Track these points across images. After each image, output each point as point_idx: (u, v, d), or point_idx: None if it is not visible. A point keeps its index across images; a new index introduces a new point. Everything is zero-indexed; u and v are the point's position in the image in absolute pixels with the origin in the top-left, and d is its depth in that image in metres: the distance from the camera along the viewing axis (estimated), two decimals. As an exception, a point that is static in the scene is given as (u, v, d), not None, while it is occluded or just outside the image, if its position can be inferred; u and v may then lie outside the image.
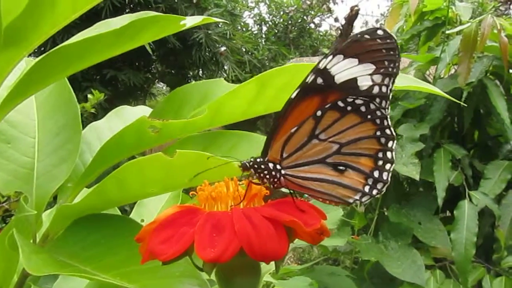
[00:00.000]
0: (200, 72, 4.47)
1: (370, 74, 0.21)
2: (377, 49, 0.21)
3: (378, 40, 0.21)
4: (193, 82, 0.34)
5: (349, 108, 0.21)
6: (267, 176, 0.21)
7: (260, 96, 0.28)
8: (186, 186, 0.25)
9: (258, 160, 0.21)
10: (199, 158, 0.22)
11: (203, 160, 0.22)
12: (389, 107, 0.22)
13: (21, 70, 0.31)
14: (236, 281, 0.18)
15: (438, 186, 0.92)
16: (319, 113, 0.21)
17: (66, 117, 0.34)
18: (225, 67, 4.25)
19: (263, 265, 0.19)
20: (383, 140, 0.21)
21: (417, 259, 0.91)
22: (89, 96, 1.61)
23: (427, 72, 1.15)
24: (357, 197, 0.21)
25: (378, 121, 0.21)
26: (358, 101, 0.21)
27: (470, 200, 0.91)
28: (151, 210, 0.42)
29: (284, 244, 0.16)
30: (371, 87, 0.21)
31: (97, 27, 0.35)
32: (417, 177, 0.91)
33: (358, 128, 0.21)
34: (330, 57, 0.21)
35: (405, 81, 0.29)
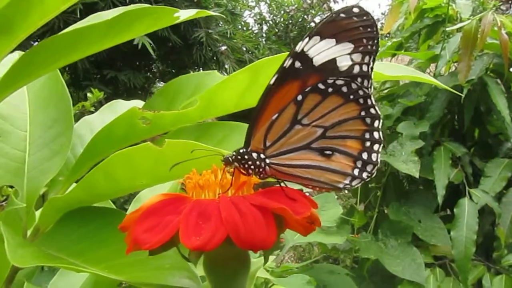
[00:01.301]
0: (201, 71, 4.47)
1: (349, 54, 0.21)
2: (354, 27, 0.21)
3: (355, 18, 0.21)
4: (188, 74, 0.33)
5: (330, 89, 0.20)
6: (252, 167, 0.20)
7: (253, 86, 0.27)
8: (175, 177, 0.24)
9: (240, 151, 0.20)
10: (189, 147, 0.22)
11: (191, 147, 0.22)
12: (372, 86, 0.22)
13: (11, 61, 0.31)
14: (224, 271, 0.18)
15: (438, 184, 0.91)
16: (299, 97, 0.20)
17: (58, 110, 0.34)
18: (226, 66, 4.25)
19: (255, 259, 0.19)
20: (368, 120, 0.21)
21: (417, 257, 0.90)
22: (88, 95, 1.61)
23: (427, 70, 1.15)
24: (347, 181, 0.20)
25: (361, 100, 0.21)
26: (339, 82, 0.20)
27: (470, 198, 0.90)
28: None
29: (273, 233, 0.16)
30: (351, 67, 0.21)
31: (90, 20, 0.34)
32: (416, 175, 0.90)
33: (341, 110, 0.21)
34: (307, 39, 0.21)
35: (403, 71, 0.29)
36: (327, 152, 0.20)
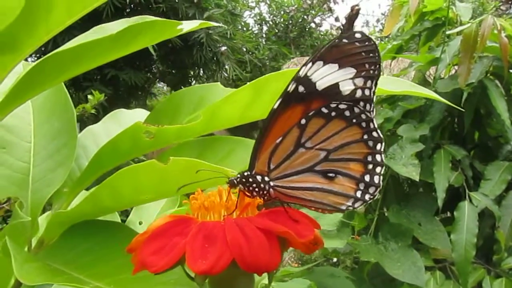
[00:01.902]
0: (201, 71, 4.48)
1: (352, 78, 0.21)
2: (357, 52, 0.21)
3: (357, 44, 0.21)
4: (191, 86, 0.34)
5: (333, 113, 0.21)
6: (256, 189, 0.20)
7: (256, 101, 0.27)
8: (179, 193, 0.25)
9: (245, 174, 0.21)
10: (193, 164, 0.22)
11: (196, 166, 0.22)
12: (374, 110, 0.22)
13: (17, 74, 0.31)
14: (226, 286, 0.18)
15: (438, 187, 0.91)
16: (303, 121, 0.21)
17: (62, 121, 0.34)
18: (226, 67, 4.26)
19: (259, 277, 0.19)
20: (371, 143, 0.21)
21: (417, 260, 0.90)
22: (89, 97, 1.61)
23: (427, 73, 1.15)
24: (349, 203, 0.21)
25: (364, 124, 0.21)
26: (342, 106, 0.21)
27: (470, 201, 0.91)
28: (150, 212, 0.42)
29: (277, 256, 0.16)
30: (354, 91, 0.21)
31: (94, 32, 0.34)
32: (417, 178, 0.90)
33: (344, 133, 0.21)
34: (310, 64, 0.21)
35: (402, 86, 0.29)
36: (330, 174, 0.21)
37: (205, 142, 0.29)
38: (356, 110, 0.21)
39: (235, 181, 0.20)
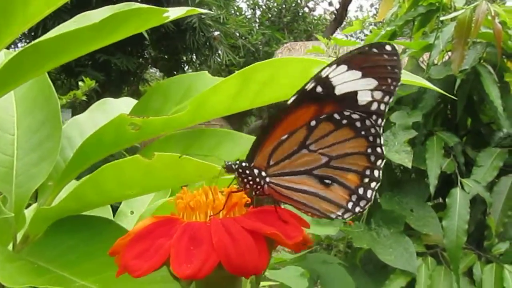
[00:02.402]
0: (194, 57, 4.44)
1: (371, 90, 0.21)
2: (383, 65, 0.20)
3: (385, 56, 0.20)
4: (178, 75, 0.33)
5: (344, 121, 0.20)
6: (251, 182, 0.20)
7: (244, 91, 0.27)
8: (164, 188, 0.24)
9: (243, 164, 0.20)
10: (177, 159, 0.21)
11: (182, 162, 0.21)
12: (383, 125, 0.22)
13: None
14: (216, 289, 0.18)
15: (430, 174, 0.92)
16: (313, 123, 0.20)
17: (45, 113, 0.33)
18: (219, 52, 4.22)
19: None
20: (372, 158, 0.21)
21: (409, 247, 0.91)
22: (80, 83, 1.59)
23: (421, 59, 1.14)
24: (339, 213, 0.21)
25: (371, 138, 0.21)
26: (355, 116, 0.20)
27: (462, 188, 0.91)
28: (141, 202, 0.41)
29: (265, 258, 0.16)
30: (370, 103, 0.21)
31: (76, 20, 0.33)
32: (409, 165, 0.90)
33: (350, 143, 0.21)
34: (334, 66, 0.20)
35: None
36: (327, 181, 0.20)
37: (192, 135, 0.28)
38: (368, 123, 0.20)
39: (233, 167, 0.20)
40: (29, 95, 0.34)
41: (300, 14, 4.57)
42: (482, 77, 0.96)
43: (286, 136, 0.20)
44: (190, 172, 0.21)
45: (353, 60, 0.20)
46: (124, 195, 0.26)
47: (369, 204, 0.21)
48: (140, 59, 4.02)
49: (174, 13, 0.33)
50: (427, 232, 0.94)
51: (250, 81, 0.25)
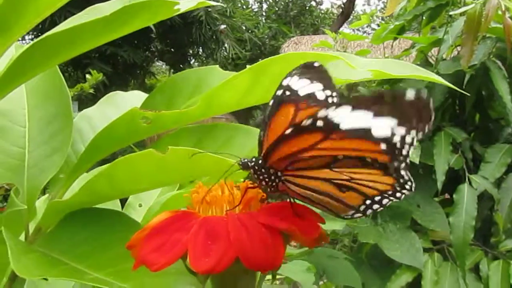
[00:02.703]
0: (200, 50, 4.44)
1: (407, 131, 0.19)
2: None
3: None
4: (188, 69, 0.33)
5: (376, 165, 0.19)
6: (266, 180, 0.20)
7: (255, 86, 0.27)
8: (178, 182, 0.24)
9: (260, 162, 0.20)
10: (190, 154, 0.21)
11: (196, 157, 0.21)
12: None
13: (9, 58, 0.30)
14: (231, 283, 0.18)
15: (437, 169, 0.91)
16: (340, 157, 0.19)
17: (57, 105, 0.33)
18: (225, 45, 4.22)
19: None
20: (397, 186, 0.20)
21: (415, 242, 0.91)
22: (87, 76, 1.59)
23: (429, 54, 1.13)
24: (350, 213, 0.20)
25: (401, 180, 0.20)
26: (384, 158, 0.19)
27: (470, 184, 0.90)
28: (150, 195, 0.41)
29: (281, 253, 0.16)
30: (403, 139, 0.19)
31: (87, 13, 0.33)
32: (416, 161, 0.90)
33: (378, 178, 0.20)
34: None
35: (406, 69, 0.28)
36: (344, 189, 0.20)
37: (204, 129, 0.28)
38: (396, 164, 0.19)
39: (248, 164, 0.20)
40: (40, 87, 0.34)
41: (307, 7, 4.54)
42: (492, 72, 0.95)
43: (311, 158, 0.19)
44: (204, 167, 0.21)
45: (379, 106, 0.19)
46: (137, 188, 0.26)
47: (381, 208, 0.21)
48: (147, 52, 4.02)
49: (185, 5, 0.33)
50: (433, 228, 0.93)
51: (262, 76, 0.25)
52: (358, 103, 0.18)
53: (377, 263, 0.97)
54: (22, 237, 0.30)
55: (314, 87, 0.22)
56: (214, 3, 0.37)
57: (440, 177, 0.91)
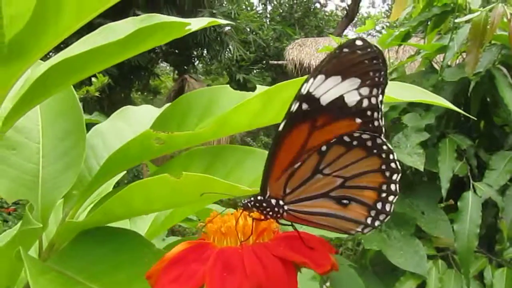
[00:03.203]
0: (205, 51, 4.45)
1: (357, 89, 0.20)
2: (359, 61, 0.20)
3: (358, 52, 0.20)
4: (199, 89, 0.33)
5: (355, 142, 0.21)
6: (270, 213, 0.20)
7: (266, 108, 0.27)
8: (190, 204, 0.25)
9: (259, 198, 0.21)
10: (204, 180, 0.22)
11: (207, 182, 0.22)
12: (383, 118, 0.22)
13: (25, 77, 0.31)
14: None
15: (442, 177, 0.92)
16: (324, 148, 0.21)
17: (70, 122, 0.34)
18: (230, 47, 4.23)
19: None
20: (388, 173, 0.21)
21: (419, 249, 0.91)
22: (93, 79, 1.60)
23: (434, 60, 1.14)
24: (359, 229, 0.21)
25: (384, 155, 0.21)
26: (365, 136, 0.21)
27: (474, 191, 0.91)
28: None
29: (294, 284, 0.16)
30: (360, 101, 0.21)
31: (101, 32, 0.34)
32: (421, 168, 0.91)
33: (363, 162, 0.21)
34: (311, 79, 0.20)
35: (414, 94, 0.29)
36: (344, 201, 0.21)
37: (214, 151, 0.29)
38: (379, 141, 0.21)
39: (249, 204, 0.20)
40: (54, 104, 0.35)
41: (312, 9, 4.54)
42: (497, 80, 0.95)
43: (299, 164, 0.21)
44: (216, 191, 0.22)
45: (329, 68, 0.20)
46: (150, 210, 0.26)
47: (388, 217, 0.22)
48: (151, 54, 4.03)
49: (196, 24, 0.34)
50: (438, 235, 0.94)
51: (274, 100, 0.26)
52: (327, 70, 0.20)
53: (381, 269, 0.98)
54: (35, 253, 0.31)
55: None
56: (225, 22, 0.37)
57: (445, 184, 0.92)
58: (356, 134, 0.20)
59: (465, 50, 0.98)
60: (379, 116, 0.21)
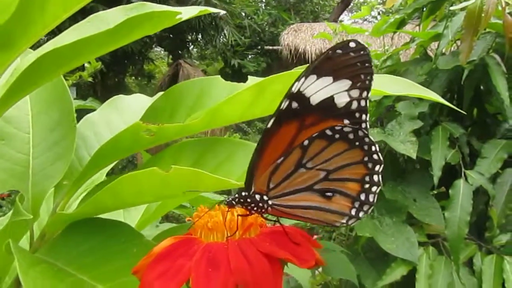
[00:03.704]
0: (199, 36, 4.41)
1: (347, 90, 0.21)
2: (352, 63, 0.21)
3: (351, 54, 0.20)
4: (191, 79, 0.33)
5: (337, 136, 0.21)
6: (255, 208, 0.21)
7: (258, 100, 0.27)
8: (180, 196, 0.25)
9: (243, 194, 0.21)
10: (193, 173, 0.22)
11: (196, 175, 0.22)
12: (368, 119, 0.22)
13: (13, 68, 0.30)
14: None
15: (434, 165, 0.92)
16: (306, 142, 0.21)
17: (60, 112, 0.34)
18: (225, 32, 4.19)
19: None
20: (370, 165, 0.21)
21: (410, 236, 0.92)
22: (86, 65, 1.59)
23: (429, 48, 1.13)
24: (344, 220, 0.21)
25: (366, 147, 0.21)
26: (346, 129, 0.21)
27: (466, 179, 0.91)
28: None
29: (279, 281, 0.17)
30: (349, 103, 0.21)
31: (89, 21, 0.34)
32: (414, 156, 0.91)
33: (346, 155, 0.21)
34: (303, 79, 0.21)
35: (404, 87, 0.29)
36: (328, 194, 0.21)
37: (206, 144, 0.28)
38: (360, 133, 0.21)
39: (233, 202, 0.21)
40: (44, 94, 0.35)
41: (307, -6, 4.50)
42: (490, 68, 0.95)
43: (281, 159, 0.21)
44: (205, 185, 0.22)
45: (321, 68, 0.21)
46: (140, 202, 0.27)
47: (372, 208, 0.22)
48: (145, 39, 3.99)
49: (187, 13, 0.33)
50: (429, 222, 0.95)
51: (266, 91, 0.25)
52: (319, 70, 0.20)
53: (373, 255, 0.99)
54: (26, 244, 0.31)
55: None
56: (216, 11, 0.37)
57: (437, 172, 0.92)
58: (337, 128, 0.21)
59: (460, 38, 0.98)
60: (367, 118, 0.22)
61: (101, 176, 0.37)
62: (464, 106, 1.04)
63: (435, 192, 1.03)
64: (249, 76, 0.32)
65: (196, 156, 0.28)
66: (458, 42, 1.03)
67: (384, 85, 0.27)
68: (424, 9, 1.14)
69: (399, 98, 1.03)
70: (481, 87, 1.06)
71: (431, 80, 1.02)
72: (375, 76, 0.30)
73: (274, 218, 0.21)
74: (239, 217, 0.19)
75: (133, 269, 0.19)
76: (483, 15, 0.93)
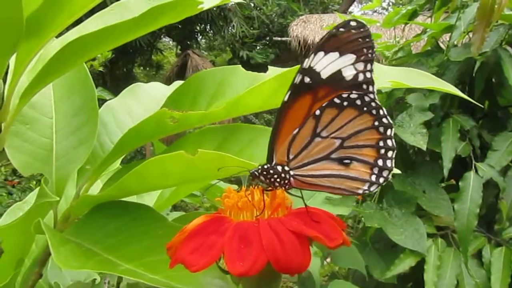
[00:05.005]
0: (208, 27, 4.40)
1: (353, 64, 0.22)
2: (354, 39, 0.22)
3: (353, 31, 0.22)
4: (212, 68, 0.34)
5: (345, 103, 0.22)
6: (278, 180, 0.22)
7: (280, 91, 0.28)
8: (205, 180, 0.26)
9: (265, 166, 0.22)
10: (219, 157, 0.23)
11: (222, 159, 0.23)
12: (375, 90, 0.23)
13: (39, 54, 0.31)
14: (259, 283, 0.19)
15: (444, 157, 0.92)
16: (317, 112, 0.22)
17: (82, 98, 0.35)
18: (233, 23, 4.18)
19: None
20: (381, 129, 0.22)
21: (419, 227, 0.93)
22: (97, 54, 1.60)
23: (441, 39, 1.13)
24: (365, 187, 0.22)
25: (374, 111, 0.22)
26: (353, 96, 0.22)
27: (476, 171, 0.92)
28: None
29: (308, 258, 0.17)
30: (356, 75, 0.22)
31: (113, 9, 0.34)
32: (424, 148, 0.91)
33: (356, 121, 0.22)
34: (312, 55, 0.22)
35: (424, 80, 0.29)
36: (346, 161, 0.22)
37: (228, 130, 0.29)
38: (367, 98, 0.22)
39: (256, 173, 0.22)
40: (66, 80, 0.35)
41: (317, -15, 4.47)
42: (502, 60, 0.95)
43: (297, 130, 0.22)
44: (229, 168, 0.23)
45: (327, 45, 0.22)
46: (165, 185, 0.27)
47: (391, 173, 0.23)
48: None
49: (208, 3, 0.34)
50: (438, 214, 0.95)
51: (287, 82, 0.26)
52: (326, 47, 0.22)
53: (381, 246, 1.00)
54: (51, 225, 0.32)
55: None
56: (237, 0, 0.37)
57: (447, 164, 0.92)
58: (344, 95, 0.22)
59: (472, 30, 0.97)
60: (374, 89, 0.23)
61: (115, 163, 0.38)
62: (475, 98, 1.04)
63: (444, 184, 1.03)
64: (269, 67, 0.32)
65: (219, 141, 0.29)
66: (470, 34, 1.03)
67: (406, 78, 0.28)
68: (436, 0, 1.13)
69: (410, 90, 1.03)
70: (493, 80, 1.05)
71: (442, 72, 1.02)
72: (398, 69, 0.31)
73: (299, 194, 0.22)
74: (266, 197, 0.20)
75: (166, 245, 0.20)
76: (496, 6, 0.92)
